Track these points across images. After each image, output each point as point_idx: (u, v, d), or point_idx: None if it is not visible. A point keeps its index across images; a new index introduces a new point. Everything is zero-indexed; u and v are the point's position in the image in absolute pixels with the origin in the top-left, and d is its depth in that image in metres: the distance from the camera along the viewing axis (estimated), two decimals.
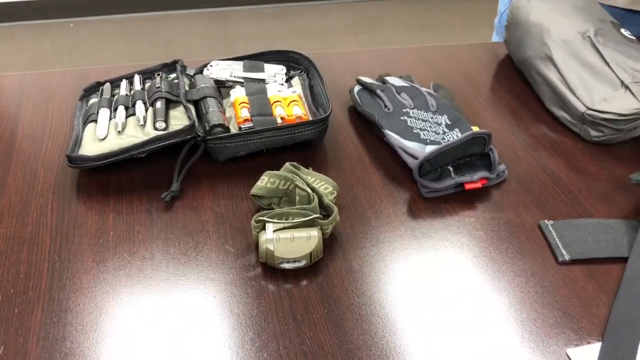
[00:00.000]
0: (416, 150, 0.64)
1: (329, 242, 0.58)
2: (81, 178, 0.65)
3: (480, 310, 0.52)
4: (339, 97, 0.79)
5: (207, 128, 0.65)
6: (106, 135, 0.66)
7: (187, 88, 0.72)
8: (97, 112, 0.69)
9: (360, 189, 0.65)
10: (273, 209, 0.58)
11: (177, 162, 0.64)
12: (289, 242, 0.53)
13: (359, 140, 0.72)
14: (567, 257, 0.57)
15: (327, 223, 0.55)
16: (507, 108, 0.79)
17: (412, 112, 0.70)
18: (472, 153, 0.64)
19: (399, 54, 0.90)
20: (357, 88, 0.77)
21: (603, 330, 0.50)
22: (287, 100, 0.71)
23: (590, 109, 0.70)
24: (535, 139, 0.73)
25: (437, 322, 0.51)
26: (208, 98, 0.69)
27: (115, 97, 0.72)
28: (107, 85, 0.75)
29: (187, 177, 0.65)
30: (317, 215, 0.55)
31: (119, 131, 0.66)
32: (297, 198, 0.58)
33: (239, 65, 0.77)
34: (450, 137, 0.66)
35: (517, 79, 0.85)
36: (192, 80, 0.74)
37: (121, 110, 0.69)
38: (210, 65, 0.77)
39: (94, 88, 0.76)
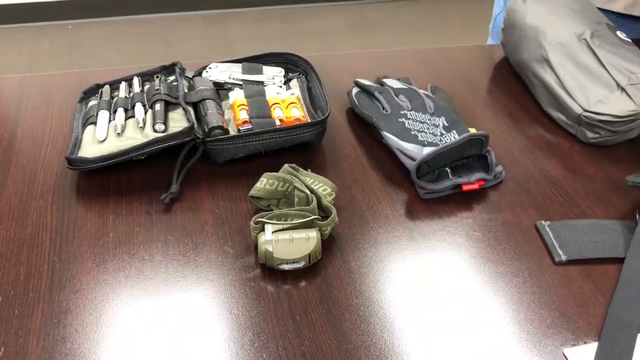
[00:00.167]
0: (414, 151, 0.65)
1: (328, 243, 0.58)
2: (81, 180, 0.65)
3: (478, 310, 0.52)
4: (337, 99, 0.80)
5: (206, 130, 0.66)
6: (106, 137, 0.66)
7: (186, 90, 0.72)
8: (97, 114, 0.69)
9: (358, 190, 0.65)
10: (272, 210, 0.59)
11: (176, 164, 0.65)
12: (287, 243, 0.53)
13: (357, 142, 0.73)
14: (563, 258, 0.57)
15: (325, 224, 0.56)
16: (504, 110, 0.79)
17: (410, 114, 0.70)
18: (470, 154, 0.65)
19: (396, 56, 0.91)
20: (355, 90, 0.77)
21: (599, 330, 0.51)
22: (286, 103, 0.71)
23: (586, 110, 0.71)
24: (532, 140, 0.74)
25: (435, 323, 0.51)
26: (207, 100, 0.69)
27: (115, 99, 0.72)
28: (107, 88, 0.75)
29: (187, 178, 0.65)
30: (316, 217, 0.55)
31: (118, 133, 0.66)
32: (296, 199, 0.58)
33: (237, 68, 0.77)
34: (447, 139, 0.67)
35: (514, 81, 0.86)
36: (191, 82, 0.75)
37: (120, 112, 0.69)
38: (209, 68, 0.77)
39: (93, 90, 0.76)
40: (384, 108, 0.71)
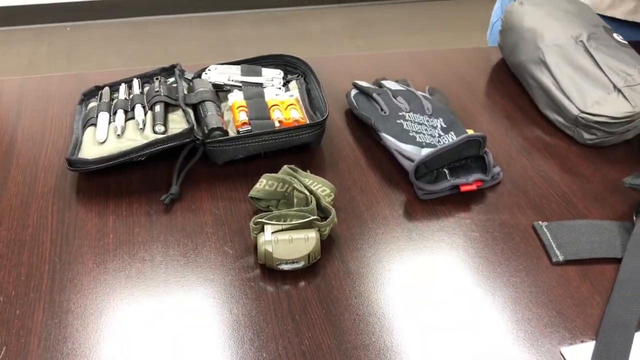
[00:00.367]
0: (412, 153, 0.65)
1: (327, 244, 0.58)
2: (81, 181, 0.65)
3: (476, 310, 0.53)
4: (336, 100, 0.80)
5: (206, 131, 0.66)
6: (106, 139, 0.66)
7: (185, 92, 0.73)
8: (97, 116, 0.69)
9: (357, 191, 0.65)
10: (271, 211, 0.59)
11: (176, 165, 0.65)
12: (287, 243, 0.54)
13: (355, 143, 0.73)
14: (561, 258, 0.57)
15: (324, 225, 0.56)
16: (501, 111, 0.80)
17: (408, 116, 0.70)
18: (468, 156, 0.65)
19: (395, 58, 0.91)
20: (353, 92, 0.78)
21: (596, 329, 0.51)
22: (285, 104, 0.71)
23: (583, 112, 0.71)
24: (530, 141, 0.74)
25: (434, 322, 0.52)
26: (206, 102, 0.70)
27: (115, 101, 0.72)
28: (106, 90, 0.75)
29: (186, 180, 0.65)
30: (315, 217, 0.56)
31: (118, 135, 0.66)
32: (295, 200, 0.58)
33: (236, 70, 0.78)
34: (445, 140, 0.67)
35: (512, 83, 0.86)
36: (191, 84, 0.75)
37: (120, 114, 0.69)
38: (209, 70, 0.77)
39: (93, 92, 0.77)
40: (382, 109, 0.72)
